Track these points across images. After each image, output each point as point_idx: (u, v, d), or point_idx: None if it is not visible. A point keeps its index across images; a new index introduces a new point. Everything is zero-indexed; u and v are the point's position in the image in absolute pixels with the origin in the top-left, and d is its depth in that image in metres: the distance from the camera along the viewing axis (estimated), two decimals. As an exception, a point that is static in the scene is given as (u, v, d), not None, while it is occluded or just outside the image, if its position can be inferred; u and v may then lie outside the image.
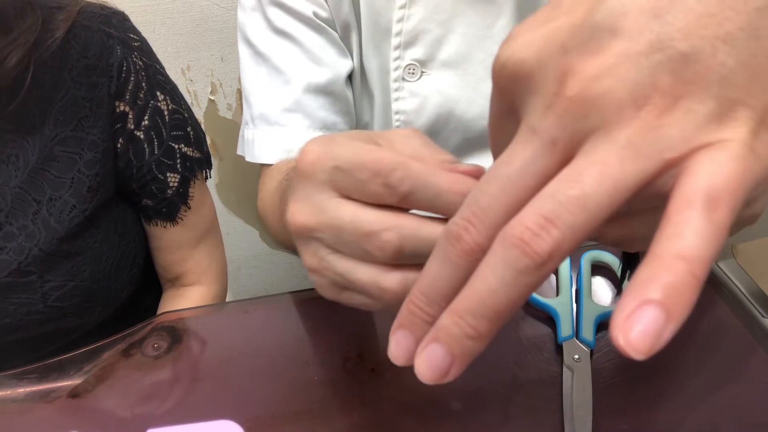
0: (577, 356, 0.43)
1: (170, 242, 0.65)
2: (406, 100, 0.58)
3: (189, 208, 0.63)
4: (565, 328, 0.45)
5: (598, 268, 0.51)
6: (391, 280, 0.25)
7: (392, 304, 0.24)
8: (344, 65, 0.59)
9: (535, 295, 0.47)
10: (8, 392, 0.46)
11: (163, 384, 0.45)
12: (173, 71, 0.96)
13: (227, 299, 0.75)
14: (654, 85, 0.16)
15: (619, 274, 0.50)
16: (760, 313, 0.56)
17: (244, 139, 0.62)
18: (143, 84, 0.56)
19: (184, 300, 0.67)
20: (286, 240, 0.49)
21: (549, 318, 0.47)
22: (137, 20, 0.59)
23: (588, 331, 0.44)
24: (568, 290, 0.48)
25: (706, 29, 0.15)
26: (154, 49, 0.60)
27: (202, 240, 0.67)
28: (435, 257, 0.19)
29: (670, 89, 0.16)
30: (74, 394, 0.45)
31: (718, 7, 0.15)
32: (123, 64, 0.55)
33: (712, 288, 0.49)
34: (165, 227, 0.63)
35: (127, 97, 0.56)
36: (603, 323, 0.46)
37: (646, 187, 0.16)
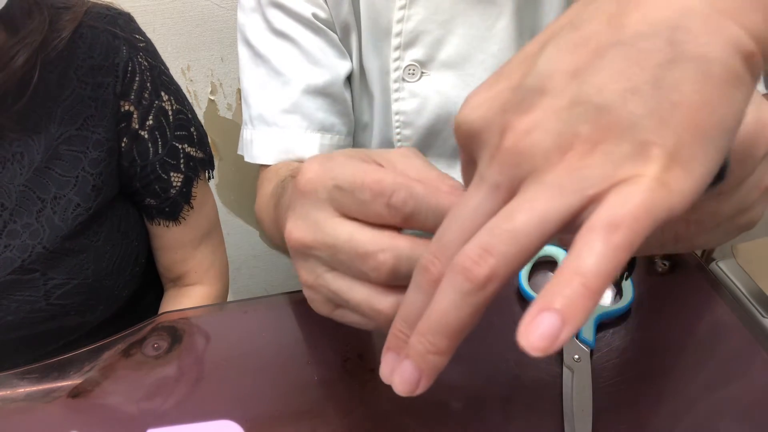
0: (577, 356, 0.43)
1: (172, 242, 0.65)
2: (406, 101, 0.59)
3: (191, 207, 0.63)
4: None
5: None
6: (384, 302, 0.27)
7: (384, 326, 0.26)
8: (343, 67, 0.59)
9: (535, 295, 0.47)
10: (8, 392, 0.46)
11: (163, 384, 0.45)
12: (173, 71, 0.96)
13: (228, 299, 0.75)
14: (575, 134, 0.18)
15: (617, 274, 0.50)
16: (760, 313, 0.56)
17: (243, 139, 0.62)
18: (148, 84, 0.57)
19: (186, 300, 0.67)
20: (281, 244, 0.50)
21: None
22: (137, 20, 0.59)
23: (588, 331, 0.44)
24: None
25: (617, 84, 0.18)
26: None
27: (203, 240, 0.67)
28: (411, 287, 0.22)
29: (589, 136, 0.18)
30: (74, 394, 0.45)
31: (626, 65, 0.18)
32: (128, 64, 0.55)
33: (712, 288, 0.49)
34: (167, 227, 0.63)
35: (132, 97, 0.56)
36: (603, 323, 0.46)
37: (573, 220, 0.18)
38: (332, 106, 0.59)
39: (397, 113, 0.60)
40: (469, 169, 0.23)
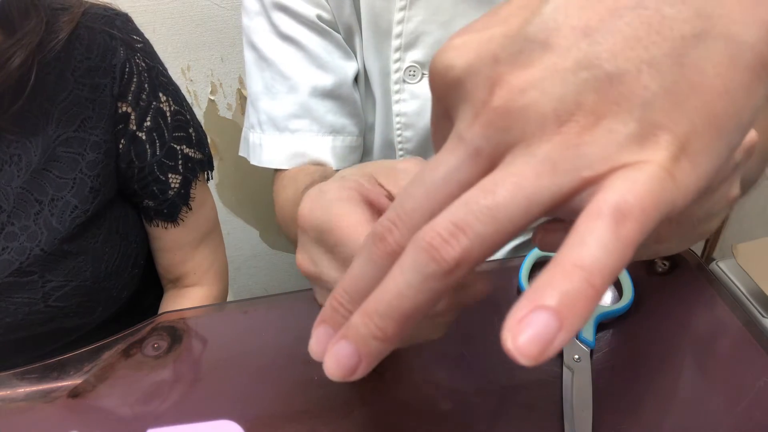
0: (577, 356, 0.43)
1: (171, 243, 0.65)
2: (407, 102, 0.58)
3: (190, 209, 0.63)
4: None
5: None
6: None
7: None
8: (350, 67, 0.59)
9: None
10: (8, 392, 0.46)
11: (163, 384, 0.45)
12: (173, 71, 0.96)
13: (228, 299, 0.75)
14: (578, 103, 0.16)
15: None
16: (760, 313, 0.56)
17: (248, 142, 0.62)
18: (146, 85, 0.57)
19: (185, 301, 0.67)
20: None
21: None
22: (137, 20, 0.59)
23: (588, 331, 0.44)
24: None
25: (632, 51, 0.16)
26: (155, 49, 0.60)
27: (203, 241, 0.67)
28: (360, 256, 0.19)
29: (594, 108, 0.16)
30: (74, 394, 0.45)
31: (646, 32, 0.16)
32: (126, 65, 0.55)
33: (712, 288, 0.49)
34: (166, 228, 0.63)
35: (130, 98, 0.56)
36: (603, 323, 0.46)
37: (562, 204, 0.16)
38: (342, 107, 0.59)
39: (398, 115, 0.59)
40: (442, 125, 0.20)
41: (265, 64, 0.58)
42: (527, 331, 0.14)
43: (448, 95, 0.19)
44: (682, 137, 0.15)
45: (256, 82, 0.60)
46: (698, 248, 1.24)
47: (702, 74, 0.15)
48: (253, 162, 0.61)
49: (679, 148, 0.16)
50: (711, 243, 1.21)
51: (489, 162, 0.17)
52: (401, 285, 0.17)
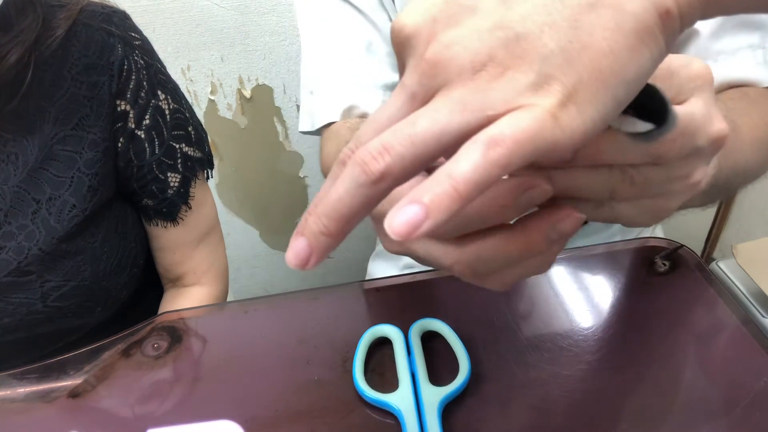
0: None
1: (171, 242, 0.64)
2: None
3: (190, 208, 0.63)
4: (411, 427, 0.40)
5: (429, 338, 0.47)
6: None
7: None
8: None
9: (373, 394, 0.42)
10: (8, 392, 0.46)
11: (163, 384, 0.45)
12: (173, 71, 0.96)
13: (228, 299, 0.75)
14: (490, 56, 0.20)
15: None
16: (760, 313, 0.56)
17: (308, 112, 0.62)
18: (144, 83, 0.56)
19: (185, 300, 0.66)
20: None
21: (394, 417, 0.42)
22: (137, 20, 0.59)
23: (433, 425, 0.40)
24: (407, 378, 0.43)
25: (538, 16, 0.19)
26: (155, 48, 0.60)
27: (203, 240, 0.67)
28: (328, 178, 0.23)
29: (502, 60, 0.19)
30: (74, 394, 0.45)
31: (551, 1, 0.19)
32: (124, 62, 0.54)
33: (712, 288, 0.49)
34: (165, 227, 0.63)
35: (128, 96, 0.55)
36: (448, 406, 0.42)
37: (471, 137, 0.19)
38: (392, 62, 0.60)
39: None
40: (401, 76, 0.24)
41: (323, 26, 0.60)
42: (401, 217, 0.18)
43: (401, 51, 0.23)
44: (570, 87, 0.19)
45: (312, 45, 0.61)
46: (698, 248, 1.24)
47: (591, 36, 0.19)
48: (308, 128, 0.62)
49: (566, 96, 0.19)
50: (711, 243, 1.21)
51: (422, 104, 0.21)
52: (341, 191, 0.21)
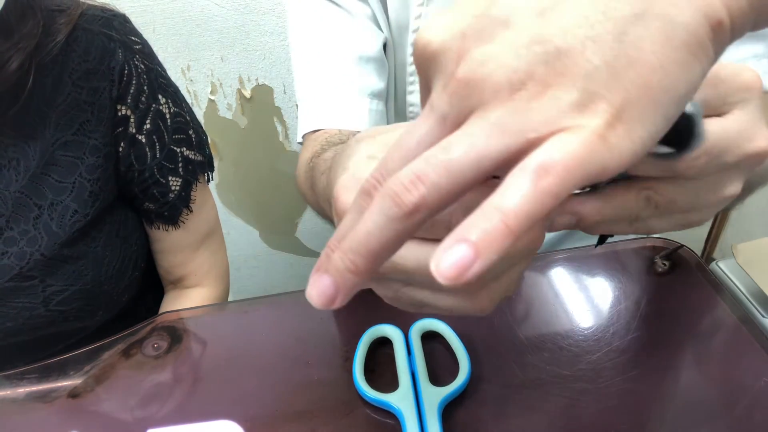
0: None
1: (172, 245, 0.64)
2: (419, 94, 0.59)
3: (191, 211, 0.63)
4: (411, 427, 0.40)
5: (429, 338, 0.47)
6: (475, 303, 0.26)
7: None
8: (383, 38, 0.61)
9: (373, 394, 0.42)
10: (8, 392, 0.46)
11: (163, 384, 0.45)
12: (173, 71, 0.96)
13: (228, 299, 0.75)
14: (529, 73, 0.18)
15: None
16: (760, 313, 0.56)
17: (300, 121, 0.62)
18: (145, 87, 0.56)
19: (186, 301, 0.67)
20: (318, 210, 0.52)
21: (394, 417, 0.42)
22: (137, 20, 0.59)
23: (433, 425, 0.40)
24: (407, 378, 0.43)
25: (579, 29, 0.18)
26: (154, 49, 0.60)
27: (204, 242, 0.67)
28: (351, 210, 0.21)
29: (543, 78, 0.18)
30: (74, 394, 0.45)
31: (592, 12, 0.18)
32: (124, 67, 0.54)
33: (712, 288, 0.49)
34: (167, 230, 0.63)
35: (129, 100, 0.55)
36: (448, 406, 0.42)
37: (512, 162, 0.18)
38: (380, 72, 0.60)
39: (411, 105, 0.61)
40: (425, 96, 0.23)
41: (310, 33, 0.60)
42: (449, 259, 0.16)
43: (427, 69, 0.21)
44: (617, 106, 0.17)
45: (302, 53, 0.60)
46: (698, 248, 1.24)
47: (639, 50, 0.17)
48: (300, 137, 0.61)
49: (614, 115, 0.17)
50: (711, 243, 1.21)
51: (454, 126, 0.19)
52: (370, 225, 0.19)
